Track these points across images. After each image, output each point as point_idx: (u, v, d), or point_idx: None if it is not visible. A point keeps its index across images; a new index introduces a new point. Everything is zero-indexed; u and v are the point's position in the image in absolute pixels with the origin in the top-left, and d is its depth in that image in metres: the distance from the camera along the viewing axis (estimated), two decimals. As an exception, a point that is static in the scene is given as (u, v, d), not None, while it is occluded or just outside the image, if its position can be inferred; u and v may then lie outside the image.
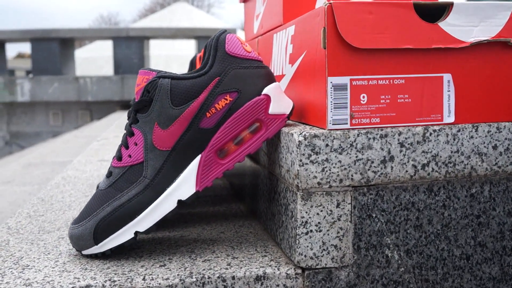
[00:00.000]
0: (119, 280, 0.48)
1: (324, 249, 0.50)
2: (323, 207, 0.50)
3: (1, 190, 1.62)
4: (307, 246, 0.50)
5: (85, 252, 0.53)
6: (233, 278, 0.49)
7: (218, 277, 0.49)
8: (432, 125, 0.52)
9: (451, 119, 0.52)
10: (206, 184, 0.53)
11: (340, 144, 0.49)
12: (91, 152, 1.44)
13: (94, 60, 8.53)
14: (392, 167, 0.50)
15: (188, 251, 0.56)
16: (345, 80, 0.50)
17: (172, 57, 8.26)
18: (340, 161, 0.49)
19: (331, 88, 0.49)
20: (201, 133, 0.53)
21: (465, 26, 0.52)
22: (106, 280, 0.48)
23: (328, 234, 0.50)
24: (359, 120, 0.50)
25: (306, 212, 0.49)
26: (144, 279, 0.48)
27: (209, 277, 0.49)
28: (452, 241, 0.53)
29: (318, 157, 0.49)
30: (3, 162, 3.30)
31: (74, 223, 0.54)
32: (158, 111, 0.53)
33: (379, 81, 0.51)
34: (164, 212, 0.52)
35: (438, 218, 0.52)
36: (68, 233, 0.54)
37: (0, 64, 5.44)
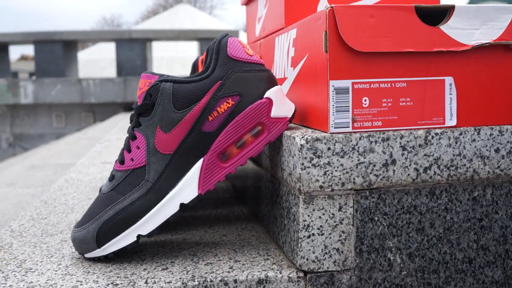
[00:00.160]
0: (121, 283, 0.48)
1: (326, 253, 0.50)
2: (325, 210, 0.50)
3: (5, 192, 1.63)
4: (309, 250, 0.50)
5: (87, 255, 0.54)
6: (235, 281, 0.49)
7: (220, 281, 0.49)
8: (434, 128, 0.52)
9: (453, 122, 0.52)
10: (208, 187, 0.53)
11: (342, 148, 0.49)
12: (94, 154, 1.44)
13: (97, 62, 8.55)
14: (394, 171, 0.51)
15: (191, 254, 0.56)
16: (347, 83, 0.50)
17: (175, 59, 8.27)
18: (342, 165, 0.49)
19: (333, 91, 0.49)
20: (203, 136, 0.53)
21: (466, 29, 0.52)
22: (108, 284, 0.48)
23: (330, 238, 0.50)
24: (361, 123, 0.50)
25: (308, 216, 0.49)
26: (146, 282, 0.48)
27: (211, 281, 0.49)
28: (454, 244, 0.53)
29: (320, 161, 0.49)
30: (6, 164, 3.31)
31: (77, 226, 0.54)
32: (160, 114, 0.53)
33: (381, 84, 0.51)
34: (167, 215, 0.53)
35: (440, 221, 0.52)
36: (71, 236, 0.55)
37: (4, 66, 5.46)
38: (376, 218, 0.51)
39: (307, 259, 0.50)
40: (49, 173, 1.84)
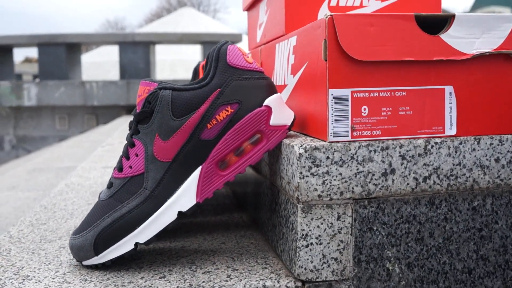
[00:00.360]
0: (118, 292, 0.48)
1: (324, 262, 0.50)
2: (324, 219, 0.49)
3: (6, 196, 1.63)
4: (307, 259, 0.49)
5: (85, 262, 0.53)
6: (232, 290, 0.49)
7: (218, 290, 0.49)
8: (433, 137, 0.51)
9: (453, 131, 0.52)
10: (206, 195, 0.53)
11: (341, 157, 0.49)
12: (95, 158, 1.44)
13: (101, 65, 8.57)
14: (393, 180, 0.50)
15: (189, 262, 0.55)
16: (346, 92, 0.50)
17: (178, 62, 8.28)
18: (340, 174, 0.49)
19: (332, 100, 0.49)
20: (202, 144, 0.53)
21: (467, 38, 0.51)
22: (105, 292, 0.48)
23: (328, 247, 0.50)
24: (360, 132, 0.50)
25: (307, 225, 0.49)
26: (143, 291, 0.48)
27: (208, 290, 0.49)
28: (454, 254, 0.52)
29: (318, 170, 0.49)
30: (9, 166, 3.31)
31: (75, 234, 0.54)
32: (159, 122, 0.53)
33: (380, 93, 0.50)
34: (165, 223, 0.52)
35: (439, 231, 0.52)
36: (69, 243, 0.54)
37: (8, 69, 5.48)
38: (375, 228, 0.50)
39: (305, 269, 0.50)
40: (51, 177, 1.85)
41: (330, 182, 0.49)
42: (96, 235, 0.52)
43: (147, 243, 0.53)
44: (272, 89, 0.55)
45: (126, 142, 0.56)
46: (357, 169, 0.49)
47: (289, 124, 0.55)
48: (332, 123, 0.49)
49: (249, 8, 0.95)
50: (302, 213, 0.49)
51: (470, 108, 0.52)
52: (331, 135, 0.49)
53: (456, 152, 0.51)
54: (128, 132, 0.56)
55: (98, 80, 4.90)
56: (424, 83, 0.51)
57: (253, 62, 0.55)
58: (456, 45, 0.51)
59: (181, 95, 0.53)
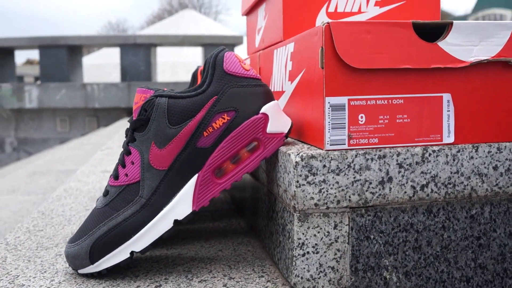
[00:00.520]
0: (113, 301, 0.47)
1: (321, 271, 0.49)
2: (320, 228, 0.49)
3: (6, 199, 1.63)
4: (304, 268, 0.49)
5: (81, 271, 0.53)
6: (228, 300, 0.49)
7: (214, 299, 0.48)
8: (431, 145, 0.51)
9: (451, 139, 0.52)
10: (203, 203, 0.53)
11: (337, 165, 0.49)
12: (94, 162, 1.44)
13: (102, 67, 8.58)
14: (390, 188, 0.50)
15: (185, 271, 0.55)
16: (343, 100, 0.49)
17: (179, 64, 8.28)
18: (337, 182, 0.49)
19: (329, 108, 0.49)
20: (198, 152, 0.52)
21: (464, 45, 0.51)
22: (100, 302, 0.47)
23: (325, 256, 0.49)
24: (357, 140, 0.50)
25: (303, 234, 0.49)
26: (139, 300, 0.48)
27: (204, 299, 0.48)
28: (452, 263, 0.52)
29: (315, 178, 0.48)
30: (10, 168, 3.32)
31: (70, 242, 0.54)
32: (155, 130, 0.52)
33: (377, 101, 0.50)
34: (160, 232, 0.52)
35: (437, 239, 0.51)
36: (65, 252, 0.54)
37: (9, 71, 5.49)
38: (372, 236, 0.50)
39: (301, 278, 0.49)
40: (51, 180, 1.84)
41: (327, 191, 0.49)
42: (91, 244, 0.52)
43: (143, 251, 0.52)
44: (269, 96, 0.55)
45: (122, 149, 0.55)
46: (354, 178, 0.49)
47: (286, 131, 0.55)
48: (329, 131, 0.49)
49: (248, 13, 0.95)
50: (298, 222, 0.49)
51: (468, 116, 0.52)
52: (328, 143, 0.49)
53: (454, 160, 0.51)
54: (124, 139, 0.56)
55: (99, 82, 4.90)
56: (421, 91, 0.51)
57: (250, 69, 0.55)
58: (454, 52, 0.51)
59: (177, 103, 0.52)
